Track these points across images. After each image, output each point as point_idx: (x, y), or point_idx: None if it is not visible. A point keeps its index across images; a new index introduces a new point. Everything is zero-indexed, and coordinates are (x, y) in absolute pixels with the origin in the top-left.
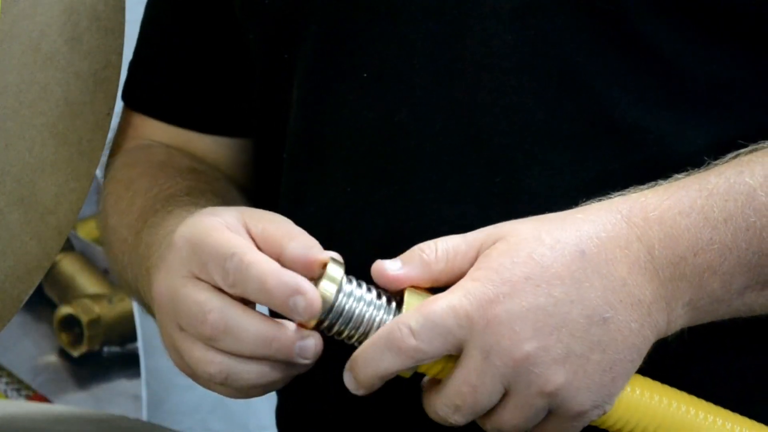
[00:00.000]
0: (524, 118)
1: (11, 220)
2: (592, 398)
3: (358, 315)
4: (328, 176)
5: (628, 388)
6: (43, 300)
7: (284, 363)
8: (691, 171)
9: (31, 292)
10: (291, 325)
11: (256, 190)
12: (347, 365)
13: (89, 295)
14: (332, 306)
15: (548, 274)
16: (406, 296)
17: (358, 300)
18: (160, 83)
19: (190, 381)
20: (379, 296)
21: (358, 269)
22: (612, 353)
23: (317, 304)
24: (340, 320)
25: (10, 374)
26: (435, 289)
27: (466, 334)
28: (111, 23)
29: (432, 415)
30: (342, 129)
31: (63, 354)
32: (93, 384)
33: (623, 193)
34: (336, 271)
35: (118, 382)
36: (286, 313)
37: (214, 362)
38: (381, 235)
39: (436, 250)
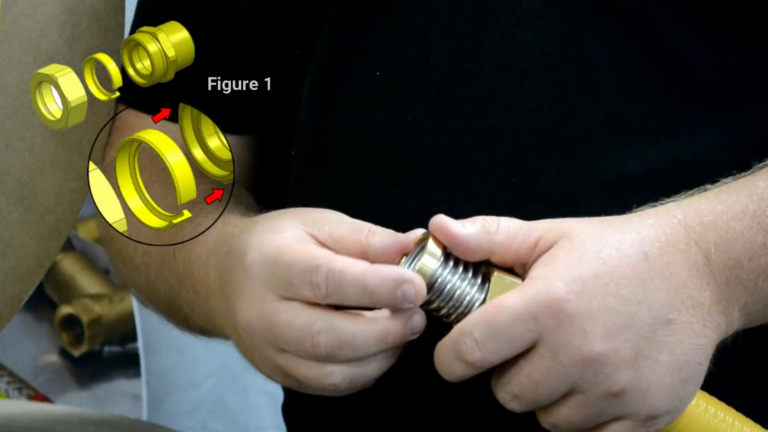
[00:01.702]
0: (541, 118)
1: (11, 220)
2: (663, 401)
3: (452, 291)
4: (337, 175)
5: (694, 400)
6: (43, 300)
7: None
8: (737, 175)
9: (31, 292)
10: (398, 312)
11: (260, 188)
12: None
13: (89, 295)
14: (434, 282)
15: (617, 274)
16: (493, 282)
17: (454, 275)
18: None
19: (190, 381)
20: (467, 270)
21: None
22: (680, 354)
23: (424, 287)
24: (440, 297)
25: (11, 374)
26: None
27: (535, 335)
28: (111, 23)
29: (494, 392)
30: (352, 127)
31: (64, 354)
32: (93, 384)
33: (675, 198)
34: (435, 247)
35: (118, 382)
36: (394, 305)
37: (335, 374)
38: None
39: (498, 224)
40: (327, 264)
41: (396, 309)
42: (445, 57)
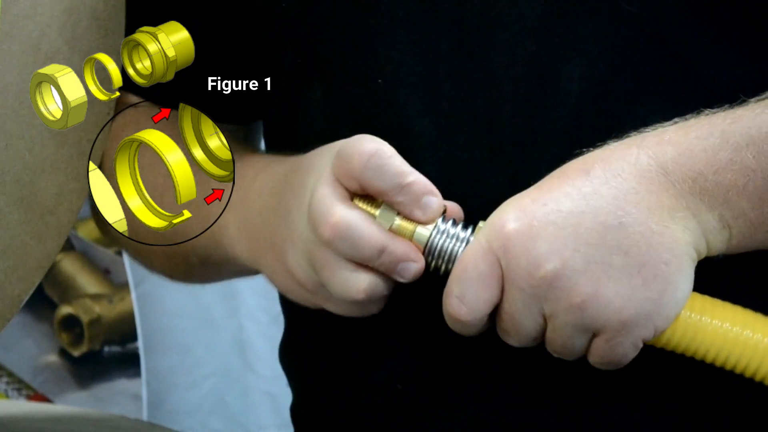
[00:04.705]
0: (548, 127)
1: (11, 220)
2: (627, 305)
3: (445, 249)
4: None
5: (699, 315)
6: (43, 300)
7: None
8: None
9: (31, 292)
10: (409, 244)
11: None
12: None
13: (89, 294)
14: (430, 244)
15: (554, 194)
16: (476, 232)
17: (450, 237)
18: None
19: (190, 381)
20: (463, 228)
21: None
22: (636, 255)
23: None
24: (438, 257)
25: (10, 374)
26: None
27: (497, 269)
28: (111, 23)
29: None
30: (357, 134)
31: (63, 354)
32: (93, 384)
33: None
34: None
35: (118, 382)
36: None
37: (359, 280)
38: None
39: None
40: (381, 152)
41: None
42: (451, 67)
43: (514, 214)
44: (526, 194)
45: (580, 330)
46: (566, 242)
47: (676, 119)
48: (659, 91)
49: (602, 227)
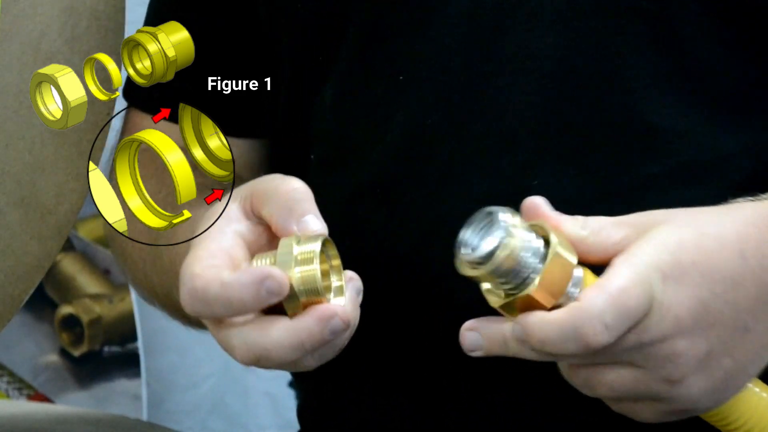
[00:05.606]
0: (561, 121)
1: (11, 220)
2: (704, 401)
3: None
4: (358, 178)
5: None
6: (43, 300)
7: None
8: None
9: (31, 292)
10: (315, 313)
11: None
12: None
13: (90, 294)
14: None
15: (711, 266)
16: (586, 274)
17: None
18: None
19: (190, 381)
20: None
21: (390, 272)
22: (739, 364)
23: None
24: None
25: (11, 374)
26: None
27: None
28: (111, 23)
29: (534, 333)
30: (375, 131)
31: (64, 354)
32: (93, 384)
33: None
34: (515, 219)
35: (118, 382)
36: (262, 303)
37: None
38: (412, 239)
39: (586, 220)
40: (191, 283)
41: (313, 313)
42: (465, 60)
43: (675, 271)
44: (684, 248)
45: (648, 395)
46: (705, 327)
47: None
48: (672, 87)
49: (733, 325)
